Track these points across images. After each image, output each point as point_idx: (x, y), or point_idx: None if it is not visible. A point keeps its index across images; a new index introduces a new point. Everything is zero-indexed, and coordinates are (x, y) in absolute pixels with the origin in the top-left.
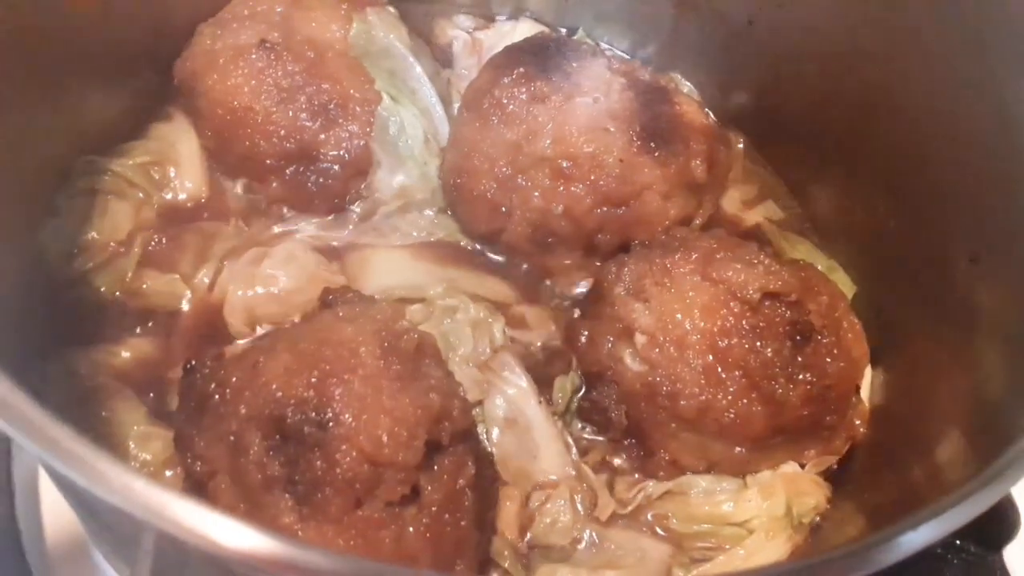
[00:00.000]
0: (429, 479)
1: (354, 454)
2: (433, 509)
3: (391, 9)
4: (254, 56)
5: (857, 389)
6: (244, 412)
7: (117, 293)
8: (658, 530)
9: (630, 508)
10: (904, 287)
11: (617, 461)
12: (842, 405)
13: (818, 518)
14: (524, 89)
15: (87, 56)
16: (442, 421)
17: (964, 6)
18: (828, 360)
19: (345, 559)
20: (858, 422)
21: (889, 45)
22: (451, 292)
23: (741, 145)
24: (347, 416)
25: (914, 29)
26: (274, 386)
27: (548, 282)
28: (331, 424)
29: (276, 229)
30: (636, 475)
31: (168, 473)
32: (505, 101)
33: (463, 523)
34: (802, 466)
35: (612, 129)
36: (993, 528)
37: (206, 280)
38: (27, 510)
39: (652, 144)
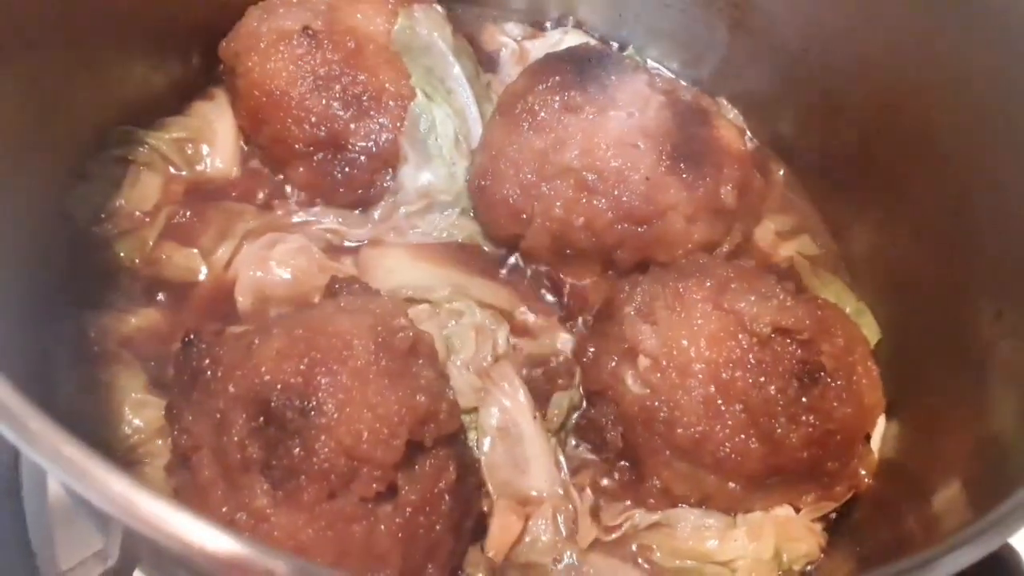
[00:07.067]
0: (408, 479)
1: (332, 445)
2: (408, 510)
3: (438, 8)
4: (295, 42)
5: (867, 438)
6: (232, 391)
7: (136, 261)
8: (640, 561)
9: (614, 536)
10: (928, 337)
11: (607, 482)
12: (846, 452)
13: (810, 567)
14: (558, 97)
15: (135, 29)
16: (427, 423)
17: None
18: (835, 404)
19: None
20: (864, 472)
21: (943, 88)
22: (458, 296)
23: (782, 174)
24: (330, 407)
25: (968, 77)
26: (263, 369)
27: (561, 294)
28: (313, 413)
29: (297, 217)
30: (627, 502)
31: (159, 442)
32: (537, 108)
33: (438, 527)
34: (797, 510)
35: (642, 146)
36: None
37: (225, 258)
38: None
39: (682, 165)
